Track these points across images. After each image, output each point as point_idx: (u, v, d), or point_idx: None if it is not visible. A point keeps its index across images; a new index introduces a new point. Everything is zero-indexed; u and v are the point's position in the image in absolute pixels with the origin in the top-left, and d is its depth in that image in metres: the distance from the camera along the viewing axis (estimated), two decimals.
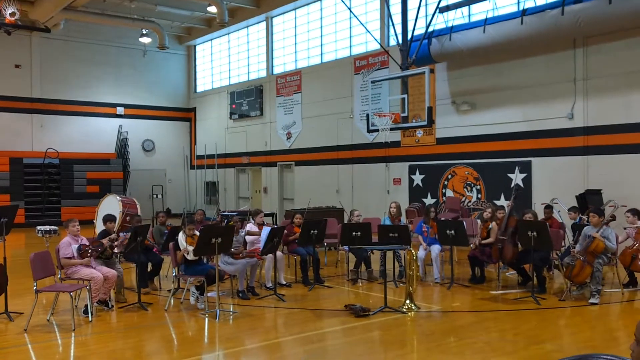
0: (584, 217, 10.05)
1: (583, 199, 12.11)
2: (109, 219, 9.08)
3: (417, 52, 14.38)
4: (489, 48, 14.16)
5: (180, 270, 8.52)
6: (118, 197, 13.44)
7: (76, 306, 7.98)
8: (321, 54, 20.80)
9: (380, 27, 18.19)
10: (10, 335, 7.10)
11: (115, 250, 8.71)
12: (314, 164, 20.76)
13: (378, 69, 18.14)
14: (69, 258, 7.92)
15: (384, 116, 14.55)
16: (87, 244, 8.14)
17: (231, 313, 8.08)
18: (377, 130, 15.06)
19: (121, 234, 9.10)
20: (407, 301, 8.09)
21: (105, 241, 8.49)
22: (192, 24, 25.51)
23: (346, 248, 10.58)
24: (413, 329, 7.40)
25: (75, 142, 24.42)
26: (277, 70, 22.76)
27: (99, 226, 11.41)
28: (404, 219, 12.80)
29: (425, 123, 14.22)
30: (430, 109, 13.76)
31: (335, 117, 19.73)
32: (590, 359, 1.93)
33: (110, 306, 8.32)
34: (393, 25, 15.11)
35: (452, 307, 8.41)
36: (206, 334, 7.34)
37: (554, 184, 13.79)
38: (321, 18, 20.73)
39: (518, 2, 14.70)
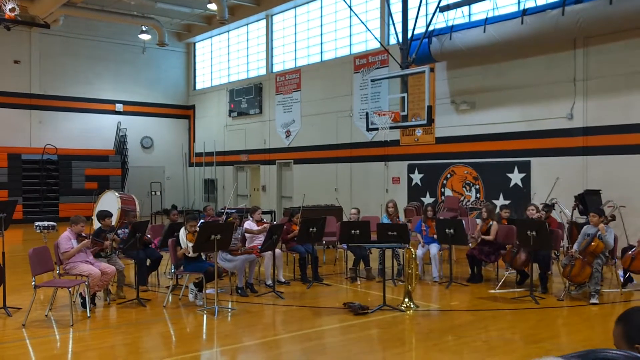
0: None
1: (582, 199, 12.12)
2: (106, 215, 9.01)
3: (417, 51, 14.36)
4: (489, 48, 14.15)
5: (180, 267, 8.51)
6: (117, 194, 13.44)
7: (74, 302, 7.96)
8: (321, 52, 20.78)
9: (381, 25, 18.17)
10: (9, 330, 7.10)
11: (114, 245, 8.69)
12: (313, 162, 20.74)
13: (378, 68, 18.12)
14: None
15: (384, 115, 14.52)
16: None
17: (229, 310, 8.07)
18: (377, 129, 15.03)
19: (119, 231, 9.10)
20: (406, 299, 8.09)
21: (107, 243, 8.49)
22: (192, 21, 25.45)
23: (345, 246, 10.58)
24: (411, 328, 7.40)
25: (74, 139, 24.35)
26: (277, 68, 22.73)
27: (97, 223, 11.39)
28: (402, 217, 12.79)
29: (424, 122, 14.20)
30: (429, 108, 13.74)
31: (335, 116, 19.71)
32: (597, 352, 1.91)
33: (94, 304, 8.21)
34: (393, 24, 15.08)
35: (450, 306, 8.41)
36: (204, 330, 7.33)
37: (553, 184, 13.74)
38: (321, 16, 20.70)
39: (518, 2, 14.69)
